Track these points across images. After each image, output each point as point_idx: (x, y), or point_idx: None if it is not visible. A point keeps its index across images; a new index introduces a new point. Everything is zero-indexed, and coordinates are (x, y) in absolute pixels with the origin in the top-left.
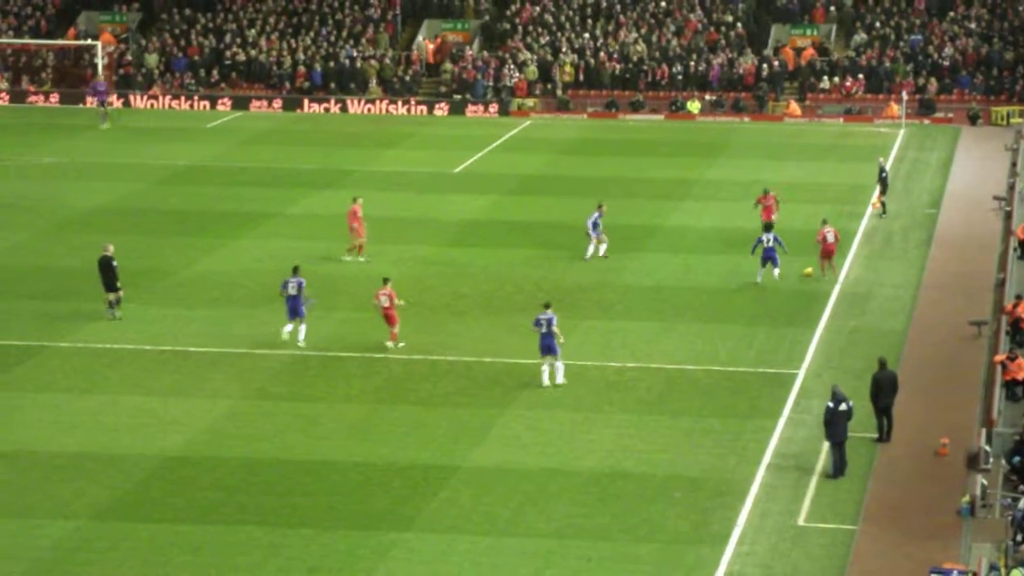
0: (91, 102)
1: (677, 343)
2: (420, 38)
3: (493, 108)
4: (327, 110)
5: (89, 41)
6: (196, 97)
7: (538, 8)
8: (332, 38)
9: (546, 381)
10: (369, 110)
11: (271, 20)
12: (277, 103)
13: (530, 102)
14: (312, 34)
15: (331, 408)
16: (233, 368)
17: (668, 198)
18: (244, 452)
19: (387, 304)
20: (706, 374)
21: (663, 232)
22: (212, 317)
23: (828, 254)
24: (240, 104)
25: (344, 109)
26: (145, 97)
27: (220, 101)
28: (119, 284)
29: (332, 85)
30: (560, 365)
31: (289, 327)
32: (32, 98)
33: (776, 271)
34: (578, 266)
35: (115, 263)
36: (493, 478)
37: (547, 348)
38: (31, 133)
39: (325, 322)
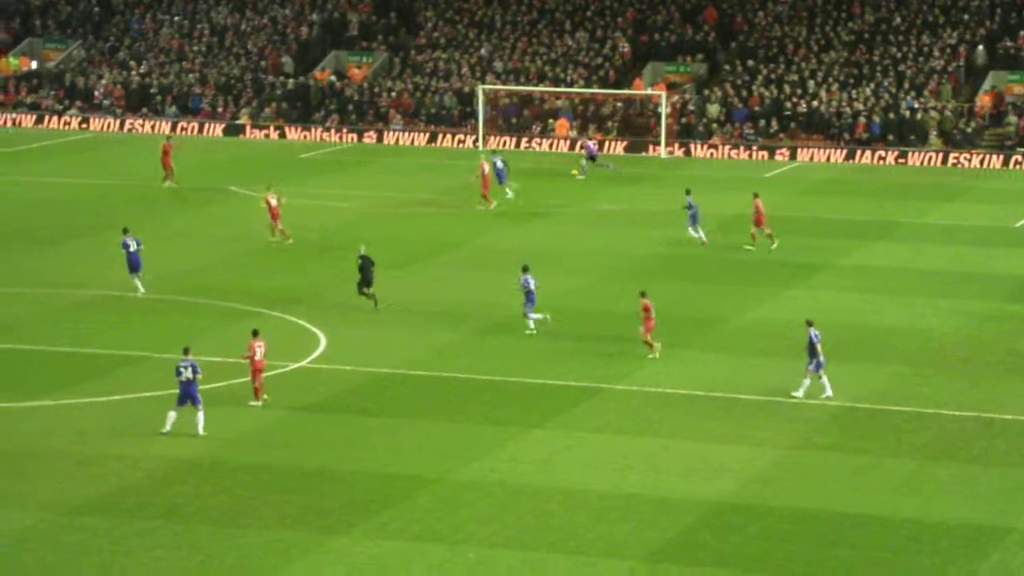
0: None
1: None
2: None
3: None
4: (885, 161)
5: (651, 91)
6: (755, 147)
7: None
8: (893, 89)
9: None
10: (928, 162)
11: (834, 71)
12: (837, 154)
13: None
14: (873, 85)
15: (879, 461)
16: (779, 417)
17: None
18: (790, 501)
19: None
20: None
21: None
22: (761, 365)
23: None
24: (798, 154)
25: (903, 160)
26: (705, 146)
27: (778, 151)
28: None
29: (890, 136)
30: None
31: None
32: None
33: None
34: None
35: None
36: None
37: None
38: (593, 182)
39: (875, 375)
